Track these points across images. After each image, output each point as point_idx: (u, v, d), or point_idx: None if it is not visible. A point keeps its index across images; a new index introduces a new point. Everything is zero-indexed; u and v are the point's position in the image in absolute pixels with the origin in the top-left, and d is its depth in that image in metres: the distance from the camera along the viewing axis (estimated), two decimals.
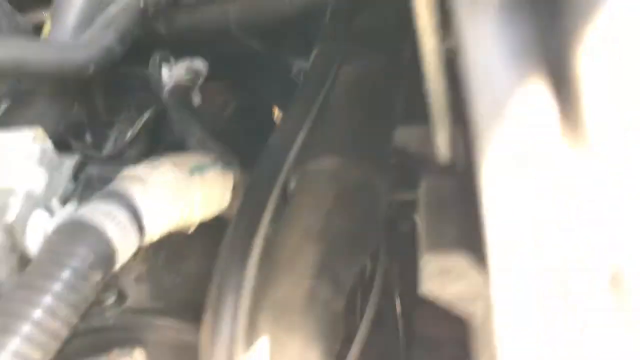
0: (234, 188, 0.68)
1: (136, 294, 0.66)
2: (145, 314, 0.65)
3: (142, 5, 0.78)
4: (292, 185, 0.50)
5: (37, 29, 0.96)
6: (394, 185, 0.52)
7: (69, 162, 0.71)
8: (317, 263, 0.43)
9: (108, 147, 1.01)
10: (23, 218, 0.61)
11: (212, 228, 0.68)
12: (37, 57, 0.64)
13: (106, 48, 0.71)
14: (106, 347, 0.61)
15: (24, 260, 0.61)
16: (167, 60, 0.87)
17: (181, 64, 0.89)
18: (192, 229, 0.65)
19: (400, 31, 0.66)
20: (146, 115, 0.94)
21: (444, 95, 0.53)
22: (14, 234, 0.61)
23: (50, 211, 0.58)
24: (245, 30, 1.17)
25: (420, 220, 0.52)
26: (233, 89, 0.95)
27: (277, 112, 1.08)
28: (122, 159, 0.97)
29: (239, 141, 0.82)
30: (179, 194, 0.62)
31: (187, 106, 0.73)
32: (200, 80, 0.87)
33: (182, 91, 0.78)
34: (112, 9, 0.76)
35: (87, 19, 0.76)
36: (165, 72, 0.86)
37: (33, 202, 0.63)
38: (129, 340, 0.61)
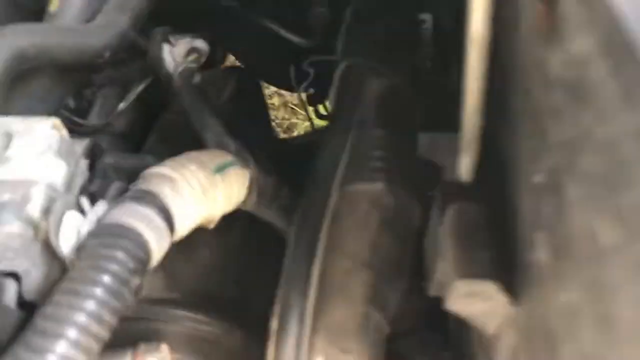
0: (250, 184, 0.70)
1: (151, 284, 0.67)
2: (161, 305, 0.67)
3: None
4: (334, 205, 0.53)
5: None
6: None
7: (79, 147, 0.70)
8: (368, 289, 0.46)
9: (93, 116, 0.99)
10: (45, 210, 0.61)
11: (223, 219, 0.70)
12: (57, 44, 0.63)
13: (121, 34, 0.70)
14: (126, 338, 0.63)
15: (47, 252, 0.61)
16: (168, 38, 0.86)
17: (182, 41, 0.88)
18: (212, 225, 0.66)
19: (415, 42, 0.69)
20: (141, 86, 0.93)
21: (478, 118, 0.56)
22: (36, 225, 0.61)
23: (82, 211, 0.59)
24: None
25: (446, 244, 0.56)
26: (230, 70, 0.95)
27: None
28: (110, 129, 0.97)
29: (239, 125, 0.83)
30: (205, 193, 0.63)
31: (203, 98, 0.73)
32: (202, 60, 0.86)
33: (190, 75, 0.78)
34: None
35: None
36: (166, 49, 0.85)
37: (54, 195, 0.63)
38: (148, 332, 0.64)
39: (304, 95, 1.62)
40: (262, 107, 0.99)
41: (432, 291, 0.60)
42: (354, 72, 0.62)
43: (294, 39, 1.35)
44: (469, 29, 0.48)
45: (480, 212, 0.56)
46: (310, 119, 1.80)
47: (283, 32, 1.34)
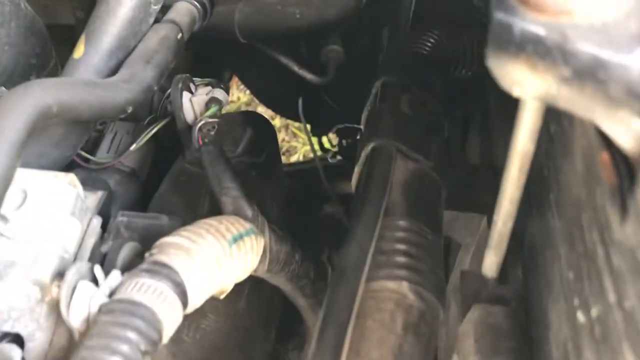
0: (263, 251, 0.69)
1: (157, 351, 0.65)
2: None
3: (180, 37, 0.75)
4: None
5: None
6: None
7: (92, 200, 0.68)
8: None
9: (102, 151, 0.98)
10: (55, 272, 0.60)
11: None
12: (82, 101, 0.61)
13: (146, 88, 0.68)
14: None
15: (53, 315, 0.59)
16: (188, 85, 0.85)
17: (201, 89, 0.86)
18: (223, 296, 0.65)
19: None
20: (156, 128, 0.92)
21: (511, 223, 0.55)
22: (44, 287, 0.59)
23: (95, 281, 0.57)
24: (249, 38, 1.16)
25: (468, 347, 0.55)
26: (246, 117, 0.94)
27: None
28: (119, 166, 0.95)
29: (254, 183, 0.82)
30: (220, 266, 0.61)
31: (222, 160, 0.71)
32: (221, 110, 0.85)
33: (210, 131, 0.76)
34: (151, 38, 0.72)
35: (122, 45, 0.72)
36: (186, 97, 0.84)
37: (66, 256, 0.61)
38: None
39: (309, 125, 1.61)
40: (277, 160, 0.98)
41: None
42: (382, 155, 0.61)
43: (308, 75, 1.35)
44: (514, 140, 0.47)
45: (507, 316, 0.55)
46: (312, 148, 1.79)
47: (297, 69, 1.34)
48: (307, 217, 1.48)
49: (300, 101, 1.62)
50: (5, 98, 0.57)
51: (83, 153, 0.91)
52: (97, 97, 0.63)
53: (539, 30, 0.34)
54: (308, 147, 2.70)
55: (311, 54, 1.51)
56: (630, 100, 0.33)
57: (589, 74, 0.34)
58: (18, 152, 0.55)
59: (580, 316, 0.40)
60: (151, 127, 0.92)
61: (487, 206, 0.76)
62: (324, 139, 2.10)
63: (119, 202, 0.87)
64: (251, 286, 0.78)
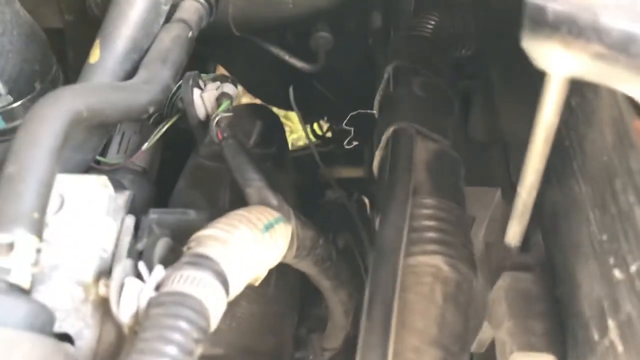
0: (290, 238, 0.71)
1: None
2: None
3: (190, 35, 0.77)
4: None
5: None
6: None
7: (121, 201, 0.70)
8: None
9: (112, 152, 0.99)
10: (97, 273, 0.62)
11: None
12: (108, 104, 0.63)
13: (165, 88, 0.70)
14: None
15: (98, 314, 0.61)
16: (198, 82, 0.86)
17: (211, 85, 0.88)
18: (257, 283, 0.67)
19: None
20: (165, 126, 0.93)
21: (534, 192, 0.58)
22: (87, 287, 0.61)
23: (139, 277, 0.59)
24: (244, 31, 1.17)
25: (501, 312, 0.58)
26: (254, 109, 0.96)
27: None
28: (130, 166, 0.97)
29: (269, 173, 0.84)
30: (255, 254, 0.64)
31: (244, 152, 0.73)
32: (232, 104, 0.87)
33: (227, 125, 0.78)
34: (164, 38, 0.74)
35: (136, 47, 0.73)
36: (196, 93, 0.85)
37: (106, 256, 0.63)
38: None
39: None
40: (287, 150, 1.00)
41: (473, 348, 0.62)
42: (403, 137, 0.63)
43: (298, 63, 1.36)
44: (540, 114, 0.50)
45: (535, 281, 0.58)
46: (308, 136, 1.82)
47: (287, 57, 1.35)
48: (310, 203, 1.50)
49: (291, 89, 1.63)
50: (39, 106, 0.58)
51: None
52: (122, 99, 0.65)
53: (572, 10, 0.37)
54: (295, 135, 2.72)
55: (298, 42, 1.52)
56: None
57: (621, 48, 0.36)
58: (57, 158, 0.56)
59: (618, 274, 0.43)
60: (161, 126, 0.94)
61: (498, 179, 0.79)
62: (315, 126, 2.13)
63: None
64: (277, 272, 0.80)
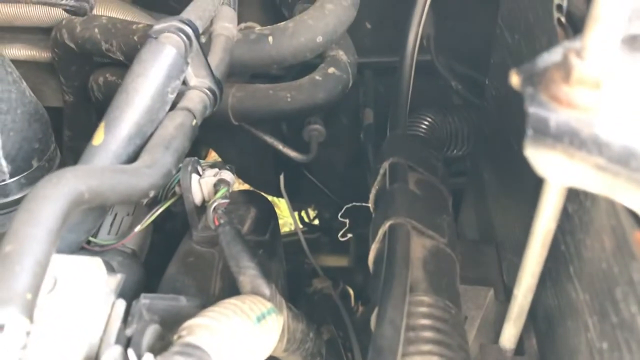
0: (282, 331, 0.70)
1: None
2: None
3: (194, 123, 0.79)
4: None
5: None
6: None
7: (113, 284, 0.69)
8: None
9: (102, 233, 0.98)
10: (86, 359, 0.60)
11: None
12: (110, 187, 0.63)
13: (166, 173, 0.71)
14: None
15: None
16: (197, 168, 0.87)
17: (209, 172, 0.89)
18: None
19: None
20: (159, 210, 0.93)
21: (530, 296, 0.58)
22: None
23: None
24: (242, 121, 1.20)
25: None
26: (249, 197, 0.97)
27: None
28: (121, 247, 0.96)
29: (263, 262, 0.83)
30: (247, 345, 0.62)
31: (240, 240, 0.73)
32: (229, 191, 0.87)
33: (223, 212, 0.79)
34: (168, 125, 0.76)
35: (140, 132, 0.75)
36: (194, 179, 0.86)
37: (95, 342, 0.62)
38: None
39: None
40: (279, 238, 1.01)
41: None
42: (399, 232, 0.64)
43: (291, 153, 1.39)
44: (538, 219, 0.51)
45: None
46: (296, 223, 1.82)
47: (281, 147, 1.38)
48: (296, 291, 1.49)
49: (281, 177, 1.66)
50: (41, 186, 0.58)
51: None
52: (124, 182, 0.65)
53: (574, 123, 0.39)
54: (281, 221, 2.72)
55: (291, 131, 1.56)
56: None
57: (622, 162, 0.38)
58: (55, 239, 0.56)
59: None
60: (155, 209, 0.94)
61: (491, 279, 0.80)
62: (303, 213, 2.14)
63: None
64: None
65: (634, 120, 0.38)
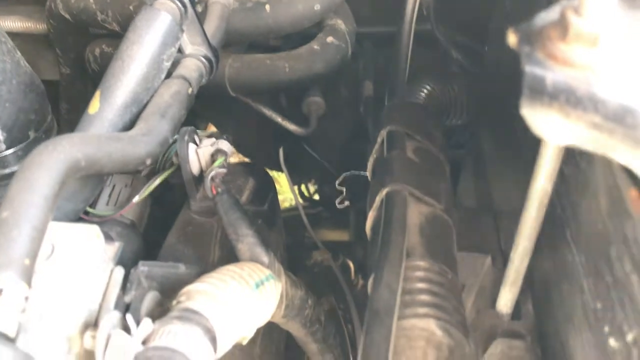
0: (280, 297, 0.71)
1: None
2: None
3: (190, 91, 0.78)
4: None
5: None
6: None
7: (111, 252, 0.69)
8: None
9: (101, 204, 0.98)
10: (83, 324, 0.60)
11: None
12: (106, 154, 0.63)
13: (163, 141, 0.71)
14: None
15: None
16: (194, 137, 0.87)
17: (206, 141, 0.89)
18: (245, 341, 0.66)
19: None
20: (157, 181, 0.93)
21: (526, 261, 0.58)
22: (72, 340, 0.60)
23: (127, 330, 0.58)
24: (239, 92, 1.19)
25: None
26: (247, 168, 0.96)
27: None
28: (119, 218, 0.96)
29: (261, 231, 0.83)
30: (245, 311, 0.63)
31: (238, 208, 0.73)
32: (227, 160, 0.87)
33: (221, 181, 0.79)
34: (164, 93, 0.75)
35: (136, 100, 0.74)
36: (192, 149, 0.86)
37: (93, 308, 0.62)
38: None
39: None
40: (278, 209, 1.01)
41: None
42: (396, 199, 0.64)
43: (290, 126, 1.38)
44: (533, 182, 0.51)
45: (526, 349, 0.57)
46: (296, 198, 1.83)
47: (280, 120, 1.37)
48: (296, 265, 1.49)
49: (281, 151, 1.65)
50: (36, 153, 0.58)
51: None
52: (120, 150, 0.65)
53: (570, 81, 0.38)
54: (281, 197, 2.72)
55: (291, 105, 1.55)
56: None
57: (617, 120, 0.38)
58: (51, 205, 0.56)
59: (613, 343, 0.43)
60: (153, 179, 0.94)
61: (488, 247, 0.80)
62: (302, 187, 2.14)
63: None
64: (263, 333, 0.79)
65: (630, 77, 0.38)
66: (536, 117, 0.40)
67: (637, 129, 0.37)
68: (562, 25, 0.40)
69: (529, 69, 0.40)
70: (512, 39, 0.43)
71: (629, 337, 0.40)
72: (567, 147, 0.49)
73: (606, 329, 0.44)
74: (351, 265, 1.74)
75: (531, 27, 0.43)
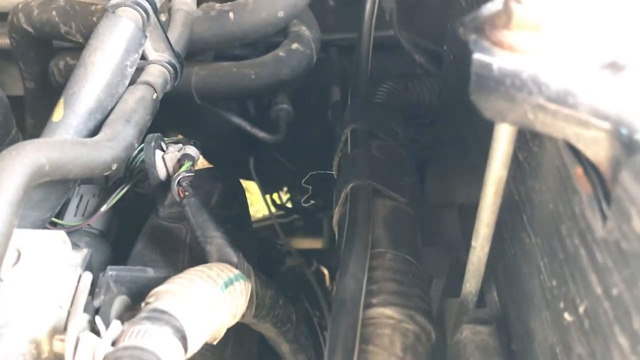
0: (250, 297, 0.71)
1: None
2: None
3: (155, 97, 0.79)
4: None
5: None
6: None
7: (79, 258, 0.69)
8: None
9: (69, 215, 0.98)
10: (52, 329, 0.60)
11: None
12: (71, 160, 0.63)
13: (128, 146, 0.71)
14: None
15: None
16: (160, 144, 0.87)
17: (173, 147, 0.89)
18: (216, 341, 0.66)
19: None
20: (124, 189, 0.93)
21: (487, 250, 0.60)
22: (39, 344, 0.59)
23: (96, 332, 0.58)
24: (206, 100, 1.20)
25: None
26: (216, 173, 0.97)
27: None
28: (87, 228, 0.96)
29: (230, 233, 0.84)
30: (215, 310, 0.63)
31: (205, 210, 0.74)
32: (194, 165, 0.88)
33: (189, 184, 0.79)
34: (129, 99, 0.76)
35: (100, 106, 0.75)
36: (158, 155, 0.86)
37: (61, 313, 0.62)
38: None
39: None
40: (247, 214, 1.01)
41: None
42: (361, 193, 0.65)
43: (259, 134, 1.39)
44: (489, 168, 0.53)
45: (490, 334, 0.59)
46: (268, 206, 1.83)
47: (249, 128, 1.38)
48: (270, 273, 1.49)
49: (251, 160, 1.66)
50: None
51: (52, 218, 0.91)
52: (85, 155, 0.65)
53: (515, 66, 0.40)
54: (254, 207, 2.72)
55: (259, 113, 1.56)
56: (596, 120, 0.39)
57: (560, 101, 0.39)
58: (16, 211, 0.56)
59: (568, 316, 0.45)
60: (120, 188, 0.94)
61: (453, 241, 0.81)
62: (275, 196, 2.14)
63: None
64: (235, 334, 0.79)
65: (570, 60, 0.40)
66: (485, 101, 0.42)
67: (578, 109, 0.39)
68: (506, 13, 0.42)
69: (476, 56, 0.42)
70: (462, 31, 0.45)
71: (581, 309, 0.42)
72: (520, 131, 0.51)
73: (561, 304, 0.46)
74: (326, 272, 1.75)
75: (478, 17, 0.45)
